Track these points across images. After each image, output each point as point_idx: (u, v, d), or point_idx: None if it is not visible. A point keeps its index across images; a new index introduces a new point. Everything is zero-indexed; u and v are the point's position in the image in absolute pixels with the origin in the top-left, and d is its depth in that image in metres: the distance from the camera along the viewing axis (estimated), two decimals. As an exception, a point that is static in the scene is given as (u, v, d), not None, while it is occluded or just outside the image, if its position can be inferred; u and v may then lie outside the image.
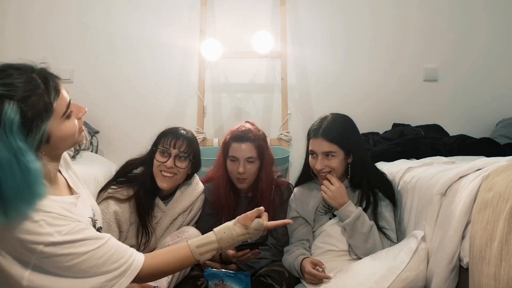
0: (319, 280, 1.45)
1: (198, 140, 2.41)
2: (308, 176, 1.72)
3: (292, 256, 1.59)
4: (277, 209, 1.78)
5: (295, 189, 1.77)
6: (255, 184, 1.76)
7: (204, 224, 1.75)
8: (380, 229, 1.57)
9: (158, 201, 1.65)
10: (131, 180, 1.64)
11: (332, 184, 1.58)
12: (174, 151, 1.60)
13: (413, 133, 2.25)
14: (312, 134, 1.62)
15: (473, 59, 2.65)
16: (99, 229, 1.19)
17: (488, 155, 1.56)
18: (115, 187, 1.60)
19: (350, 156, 1.62)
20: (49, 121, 0.93)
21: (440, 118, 2.50)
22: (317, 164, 1.59)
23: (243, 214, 1.24)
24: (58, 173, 1.13)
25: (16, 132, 0.85)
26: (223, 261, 1.68)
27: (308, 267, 1.49)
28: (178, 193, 1.70)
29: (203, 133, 2.48)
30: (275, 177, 1.86)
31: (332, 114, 1.67)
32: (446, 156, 1.78)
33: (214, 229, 1.21)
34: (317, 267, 1.49)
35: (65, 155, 1.20)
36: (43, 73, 0.97)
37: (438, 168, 1.53)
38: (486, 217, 1.08)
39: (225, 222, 1.80)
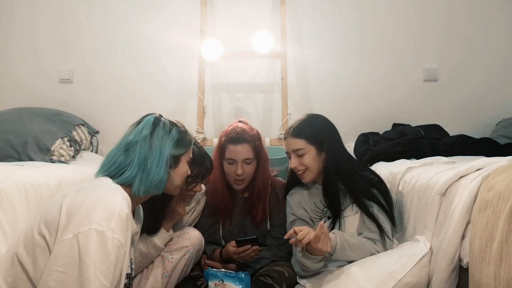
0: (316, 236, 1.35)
1: (198, 140, 2.43)
2: (294, 177, 1.68)
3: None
4: (273, 209, 1.78)
5: (288, 197, 1.72)
6: (251, 184, 1.75)
7: (203, 225, 1.75)
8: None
9: None
10: None
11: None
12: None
13: (413, 133, 2.25)
14: (284, 137, 1.62)
15: (473, 59, 2.65)
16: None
17: (488, 155, 1.56)
18: None
19: (323, 153, 1.58)
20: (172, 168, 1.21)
21: (440, 118, 2.49)
22: (291, 163, 1.59)
23: None
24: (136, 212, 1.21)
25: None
26: (223, 260, 1.69)
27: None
28: None
29: (203, 133, 2.48)
30: (271, 176, 1.85)
31: (307, 114, 1.67)
32: (446, 156, 1.78)
33: None
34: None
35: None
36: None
37: (438, 168, 1.52)
38: (486, 217, 1.08)
39: (223, 223, 1.79)
